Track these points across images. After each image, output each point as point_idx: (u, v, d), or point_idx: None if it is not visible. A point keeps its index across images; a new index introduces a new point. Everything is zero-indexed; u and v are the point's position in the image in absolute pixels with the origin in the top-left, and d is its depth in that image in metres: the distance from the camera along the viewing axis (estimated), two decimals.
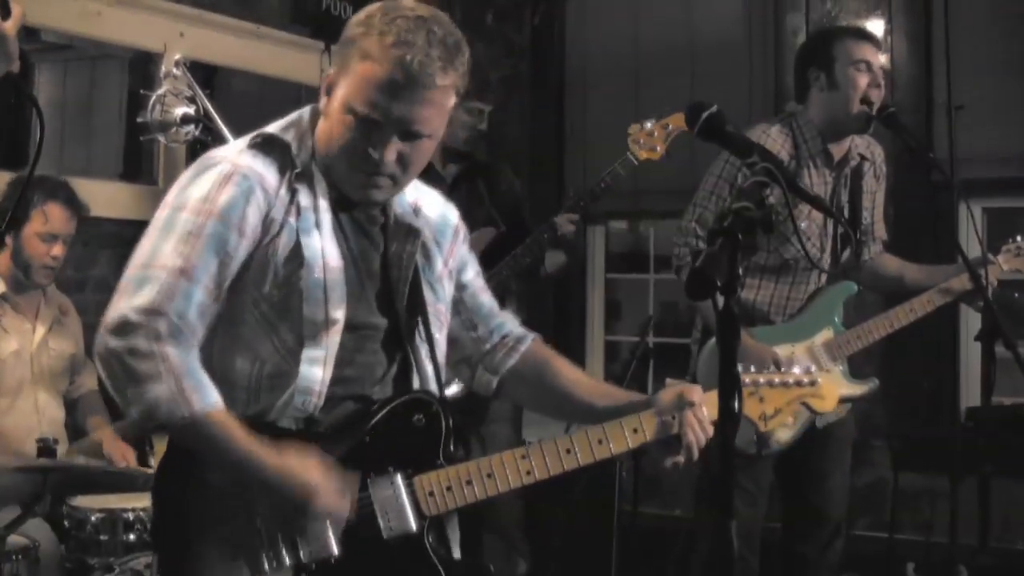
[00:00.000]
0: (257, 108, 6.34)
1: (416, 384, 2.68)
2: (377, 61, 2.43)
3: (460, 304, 2.87)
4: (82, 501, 4.00)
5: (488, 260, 4.74)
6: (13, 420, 4.54)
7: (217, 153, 2.60)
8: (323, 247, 2.53)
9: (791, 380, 2.94)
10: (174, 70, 4.06)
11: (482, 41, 7.47)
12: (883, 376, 4.50)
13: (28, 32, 4.89)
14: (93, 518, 3.93)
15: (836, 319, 4.40)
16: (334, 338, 2.53)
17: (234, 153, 2.57)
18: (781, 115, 4.53)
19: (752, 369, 2.92)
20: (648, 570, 5.73)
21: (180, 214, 2.47)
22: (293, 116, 2.66)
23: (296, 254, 2.50)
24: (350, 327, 2.55)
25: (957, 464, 4.68)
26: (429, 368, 2.70)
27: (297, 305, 2.49)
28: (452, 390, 3.00)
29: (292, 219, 2.52)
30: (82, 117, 6.93)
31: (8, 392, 4.55)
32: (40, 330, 4.68)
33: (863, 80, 4.25)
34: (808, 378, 2.95)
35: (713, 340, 4.21)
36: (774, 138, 4.30)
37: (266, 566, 2.45)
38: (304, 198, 2.54)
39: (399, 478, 2.57)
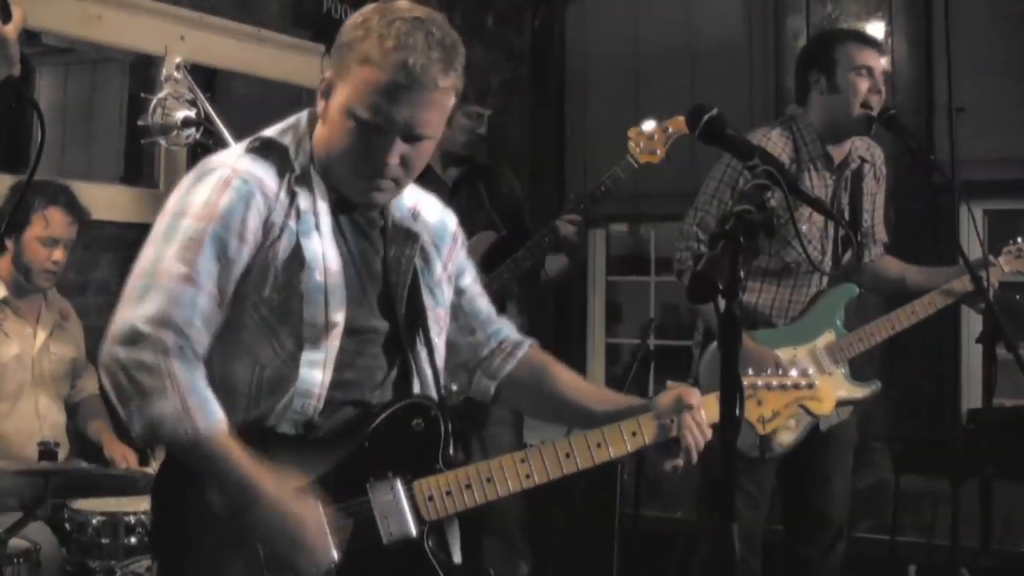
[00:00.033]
0: (258, 111, 6.33)
1: (416, 389, 2.67)
2: (378, 65, 2.42)
3: (458, 309, 2.87)
4: (83, 504, 4.00)
5: (489, 263, 4.74)
6: (14, 424, 4.54)
7: (216, 158, 2.59)
8: (323, 250, 2.53)
9: (789, 383, 2.94)
10: (175, 73, 4.07)
11: (482, 44, 7.47)
12: (884, 378, 4.51)
13: (29, 35, 4.90)
14: (94, 521, 3.93)
15: (838, 322, 4.40)
16: (334, 342, 2.52)
17: (233, 158, 2.56)
18: (781, 118, 4.53)
19: (750, 372, 2.92)
20: (649, 572, 5.73)
21: (181, 220, 2.46)
22: (291, 120, 2.66)
23: (296, 257, 2.50)
24: (350, 330, 2.55)
25: (958, 466, 4.68)
26: (428, 372, 2.70)
27: (297, 308, 2.49)
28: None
29: (292, 222, 2.52)
30: (83, 120, 6.93)
31: (9, 396, 4.55)
32: (41, 334, 4.68)
33: (864, 85, 4.26)
34: (806, 380, 2.95)
35: (715, 343, 4.21)
36: (775, 141, 4.30)
37: (266, 572, 2.44)
38: (303, 201, 2.54)
39: (398, 483, 2.57)
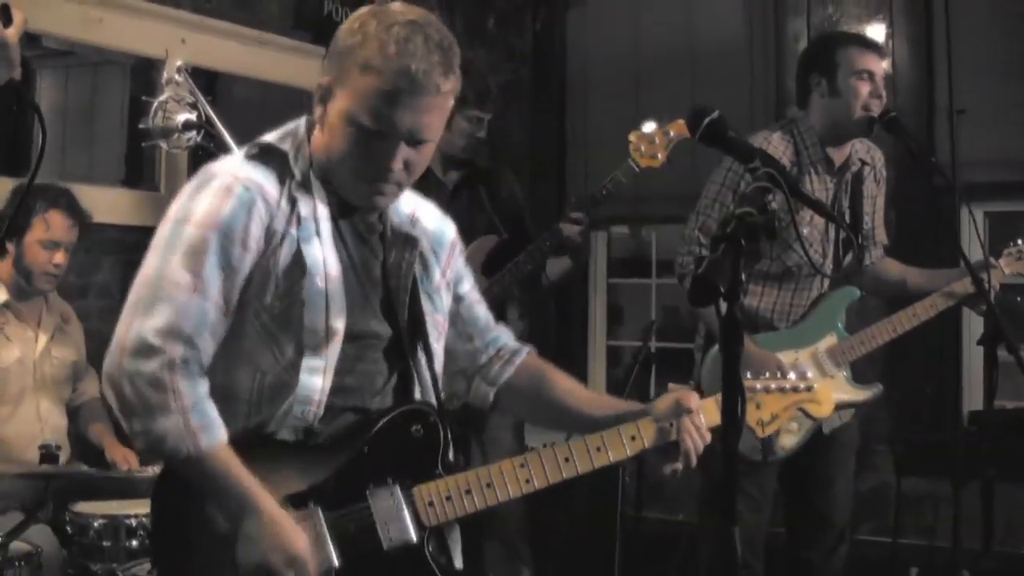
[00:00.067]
0: (259, 114, 6.34)
1: (416, 394, 2.67)
2: (379, 72, 2.41)
3: (456, 316, 2.87)
4: (85, 507, 4.00)
5: (490, 267, 4.74)
6: (16, 428, 4.53)
7: (217, 166, 2.58)
8: (324, 256, 2.53)
9: (788, 386, 2.94)
10: (176, 76, 4.06)
11: (483, 46, 7.48)
12: (886, 381, 4.51)
13: (30, 38, 4.90)
14: (96, 524, 3.93)
15: (839, 324, 4.40)
16: (334, 348, 2.52)
17: (234, 165, 2.56)
18: (782, 121, 4.53)
19: (748, 376, 2.92)
20: (651, 575, 5.73)
21: (184, 229, 2.46)
22: (289, 126, 2.65)
23: (297, 264, 2.49)
24: (350, 336, 2.55)
25: (960, 468, 4.68)
26: (428, 378, 2.70)
27: (298, 315, 2.49)
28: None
29: (293, 229, 2.51)
30: (84, 123, 6.93)
31: (10, 400, 4.55)
32: (42, 338, 4.68)
33: (865, 89, 4.26)
34: (804, 383, 2.95)
35: (717, 346, 4.21)
36: (775, 144, 4.30)
37: None
38: (304, 207, 2.54)
39: (398, 489, 2.57)
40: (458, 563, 2.72)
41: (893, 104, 4.70)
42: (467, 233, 4.63)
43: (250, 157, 2.57)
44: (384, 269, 2.65)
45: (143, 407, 2.35)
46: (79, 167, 6.66)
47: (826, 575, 4.51)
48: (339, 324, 2.52)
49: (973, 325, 5.82)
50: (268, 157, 2.57)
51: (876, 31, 6.30)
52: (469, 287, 2.91)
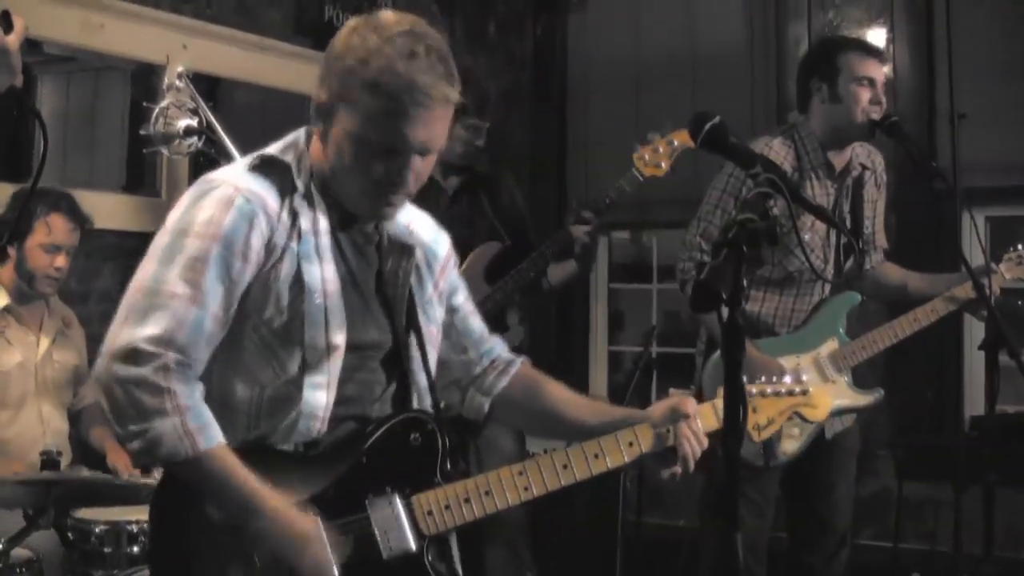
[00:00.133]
0: (260, 120, 6.35)
1: (414, 402, 2.67)
2: (389, 90, 2.40)
3: (451, 328, 2.85)
4: (86, 513, 3.99)
5: (493, 274, 4.74)
6: (17, 432, 4.53)
7: (217, 175, 2.56)
8: (323, 272, 2.52)
9: (783, 390, 2.94)
10: (177, 82, 4.07)
11: (484, 52, 7.48)
12: (887, 385, 4.50)
13: (31, 44, 4.90)
14: (97, 530, 3.92)
15: (840, 329, 4.40)
16: (336, 362, 2.51)
17: (235, 175, 2.53)
18: (783, 126, 4.54)
19: (744, 380, 2.92)
20: None
21: (184, 239, 2.43)
22: (289, 138, 2.64)
23: (297, 281, 2.48)
24: (350, 348, 2.53)
25: (961, 473, 4.67)
26: (424, 387, 2.69)
27: (298, 331, 2.48)
28: None
29: (293, 244, 2.50)
30: (85, 129, 6.93)
31: (12, 404, 4.55)
32: (44, 342, 4.68)
33: (865, 95, 4.26)
34: (800, 387, 2.95)
35: (718, 352, 4.20)
36: (776, 150, 4.31)
37: None
38: (305, 221, 2.52)
39: (397, 498, 2.56)
40: (458, 572, 2.71)
41: (894, 108, 4.71)
42: (468, 239, 4.66)
43: (252, 168, 2.55)
44: (381, 278, 2.64)
45: (137, 411, 2.32)
46: (80, 173, 6.67)
47: None
48: (339, 339, 2.51)
49: (974, 330, 5.83)
50: (270, 169, 2.55)
51: (877, 36, 6.31)
52: (463, 298, 2.90)
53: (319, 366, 2.50)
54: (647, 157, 4.62)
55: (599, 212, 4.73)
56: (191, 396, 2.36)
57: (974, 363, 5.98)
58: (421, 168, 2.51)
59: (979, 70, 6.15)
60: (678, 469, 2.76)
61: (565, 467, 2.69)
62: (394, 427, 2.59)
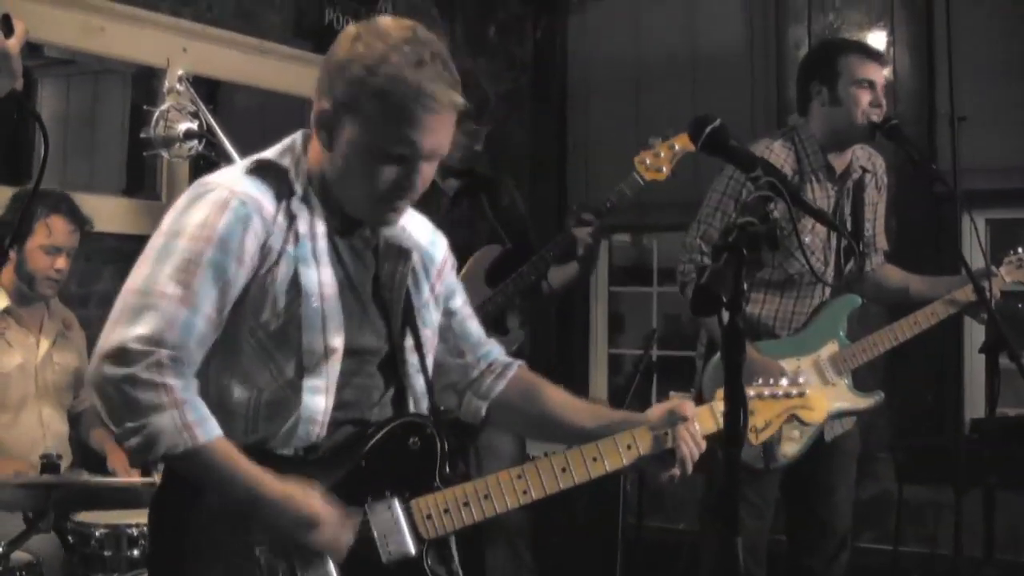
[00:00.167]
0: (260, 123, 6.36)
1: (411, 406, 2.67)
2: (400, 100, 2.41)
3: (448, 331, 2.85)
4: (86, 516, 3.99)
5: (493, 277, 4.73)
6: (17, 434, 4.54)
7: (213, 178, 2.55)
8: (320, 276, 2.51)
9: (780, 392, 2.94)
10: (177, 85, 4.07)
11: (484, 55, 7.49)
12: (887, 388, 4.50)
13: (31, 48, 4.90)
14: (97, 533, 3.92)
15: (840, 332, 4.39)
16: (334, 366, 2.51)
17: (230, 179, 2.53)
18: (783, 129, 4.53)
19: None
20: None
21: (177, 241, 2.42)
22: (287, 141, 2.63)
23: (295, 284, 2.48)
24: (348, 352, 2.53)
25: (961, 476, 4.66)
26: (421, 390, 2.69)
27: (295, 334, 2.47)
28: None
29: (290, 247, 2.49)
30: (85, 132, 6.95)
31: (12, 406, 4.55)
32: (44, 344, 4.69)
33: (865, 98, 4.26)
34: (796, 389, 2.95)
35: (718, 355, 4.20)
36: (777, 153, 4.31)
37: None
38: (302, 224, 2.52)
39: (396, 502, 2.56)
40: (458, 574, 2.71)
41: (894, 111, 4.71)
42: (469, 241, 4.66)
43: (248, 172, 2.55)
44: (378, 282, 2.64)
45: (131, 408, 2.31)
46: (80, 176, 6.68)
47: None
48: (337, 342, 2.51)
49: (974, 332, 5.83)
50: (267, 172, 2.54)
51: (877, 38, 6.31)
52: (461, 302, 2.90)
53: (317, 370, 2.49)
54: (648, 161, 4.63)
55: (600, 216, 4.74)
56: (187, 390, 2.35)
57: (974, 366, 5.98)
58: (427, 173, 2.52)
59: (979, 73, 6.15)
60: (677, 471, 2.75)
61: (564, 470, 2.69)
62: (393, 431, 2.59)
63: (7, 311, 4.59)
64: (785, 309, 4.41)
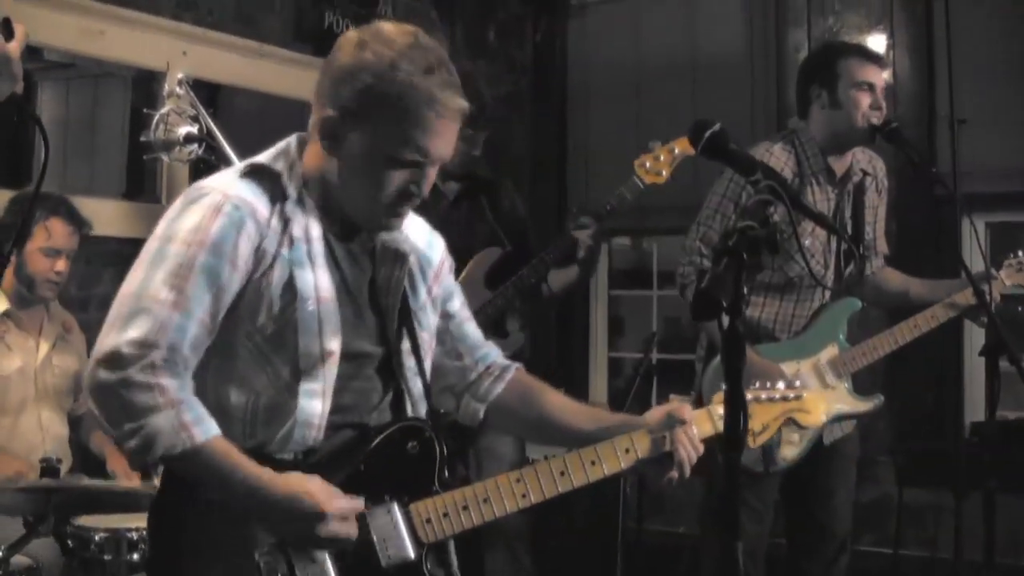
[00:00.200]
0: (260, 126, 6.35)
1: (409, 410, 2.67)
2: (410, 105, 2.43)
3: (446, 334, 2.86)
4: (86, 520, 3.99)
5: (493, 279, 4.74)
6: (17, 438, 4.53)
7: (206, 183, 2.55)
8: (316, 279, 2.51)
9: (777, 395, 2.95)
10: (177, 89, 4.07)
11: (484, 58, 7.49)
12: (887, 392, 4.50)
13: (31, 51, 4.91)
14: (97, 537, 3.91)
15: (841, 335, 4.39)
16: (331, 369, 2.51)
17: (224, 183, 2.53)
18: (783, 132, 4.53)
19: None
20: None
21: (171, 246, 2.43)
22: (281, 145, 2.64)
23: (290, 287, 2.48)
24: (345, 356, 2.53)
25: (962, 480, 4.67)
26: (419, 394, 2.69)
27: (292, 338, 2.48)
28: None
29: (285, 251, 2.50)
30: (85, 135, 6.95)
31: (12, 410, 4.55)
32: (44, 347, 4.68)
33: (865, 101, 4.26)
34: (793, 393, 2.95)
35: (718, 358, 4.20)
36: (777, 156, 4.31)
37: None
38: (296, 228, 2.52)
39: (395, 506, 2.56)
40: None
41: (894, 114, 4.71)
42: (468, 244, 4.66)
43: (242, 176, 2.55)
44: (374, 285, 2.64)
45: (128, 411, 2.31)
46: (80, 179, 6.68)
47: None
48: (334, 345, 2.51)
49: (974, 335, 5.82)
50: (260, 177, 2.55)
51: (877, 41, 6.31)
52: (459, 304, 2.90)
53: (314, 373, 2.50)
54: (648, 165, 4.63)
55: (600, 219, 4.74)
56: (182, 390, 2.36)
57: (974, 369, 5.97)
58: (431, 178, 2.54)
59: (979, 76, 6.14)
60: (675, 474, 2.76)
61: (562, 474, 2.70)
62: (392, 435, 2.59)
63: (7, 314, 4.59)
64: (785, 312, 4.40)
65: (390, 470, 2.57)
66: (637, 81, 7.26)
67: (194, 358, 2.42)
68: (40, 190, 3.58)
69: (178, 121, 3.91)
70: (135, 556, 3.91)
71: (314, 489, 2.41)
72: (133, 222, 5.60)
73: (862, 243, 4.51)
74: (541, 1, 7.61)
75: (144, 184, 5.95)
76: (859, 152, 4.46)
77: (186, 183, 5.49)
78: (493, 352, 2.96)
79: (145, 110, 4.04)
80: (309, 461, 2.52)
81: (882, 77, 4.36)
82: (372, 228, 2.60)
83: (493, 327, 4.61)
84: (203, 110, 3.99)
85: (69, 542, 3.96)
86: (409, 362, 2.68)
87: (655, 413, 2.79)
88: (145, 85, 5.93)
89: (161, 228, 2.50)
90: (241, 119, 6.28)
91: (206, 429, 2.35)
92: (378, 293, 2.64)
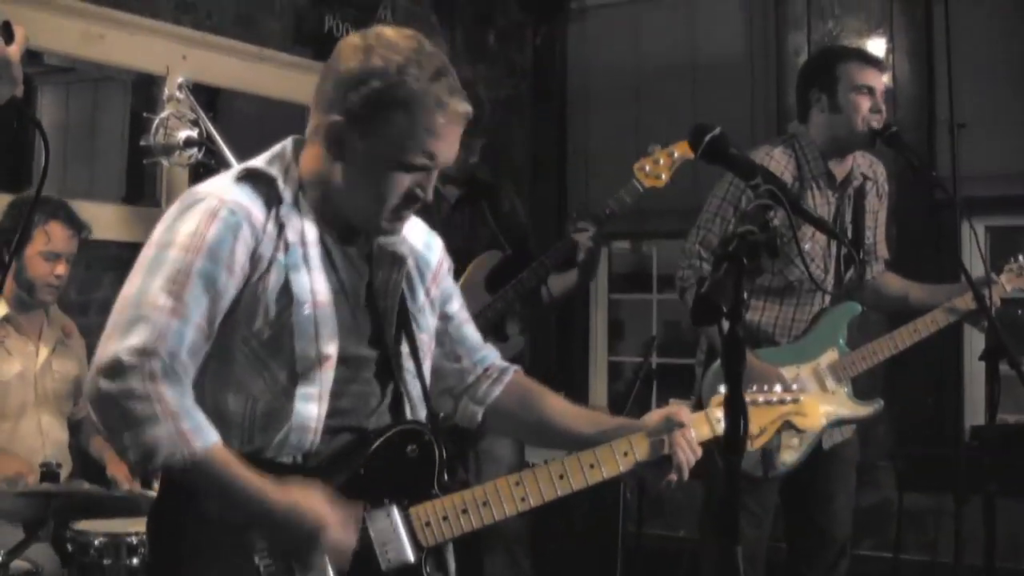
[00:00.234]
0: (259, 130, 6.35)
1: (407, 414, 2.66)
2: (422, 110, 2.44)
3: (445, 336, 2.86)
4: (86, 525, 3.98)
5: (493, 283, 4.74)
6: (17, 442, 4.52)
7: (202, 188, 2.55)
8: (312, 283, 2.51)
9: (774, 399, 2.95)
10: (177, 93, 4.07)
11: (484, 62, 7.49)
12: (887, 396, 4.49)
13: (31, 55, 4.91)
14: (96, 542, 3.91)
15: (840, 340, 4.39)
16: (327, 373, 2.51)
17: (220, 188, 2.53)
18: (784, 136, 4.53)
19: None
20: None
21: (168, 252, 2.43)
22: (276, 149, 2.63)
23: (286, 292, 2.48)
24: (343, 360, 2.53)
25: (962, 484, 4.66)
26: (418, 397, 2.69)
27: (288, 342, 2.47)
28: None
29: (281, 255, 2.49)
30: (85, 139, 6.95)
31: (11, 415, 4.54)
32: (43, 351, 4.68)
33: (865, 104, 4.26)
34: (790, 396, 2.95)
35: (718, 362, 4.20)
36: (777, 159, 4.31)
37: None
38: (292, 232, 2.52)
39: (395, 510, 2.56)
40: None
41: (893, 118, 4.71)
42: (469, 248, 4.66)
43: (237, 180, 2.55)
44: (371, 289, 2.63)
45: (128, 421, 2.31)
46: (80, 183, 6.68)
47: None
48: (331, 349, 2.51)
49: (974, 339, 5.82)
50: (255, 181, 2.54)
51: (876, 45, 6.31)
52: (458, 306, 2.90)
53: (310, 377, 2.49)
54: (648, 168, 4.63)
55: (599, 222, 4.74)
56: (181, 399, 2.35)
57: (974, 373, 5.97)
58: (434, 182, 2.55)
59: (979, 80, 6.14)
60: (674, 477, 2.76)
61: (561, 477, 2.70)
62: (391, 438, 2.59)
63: (6, 319, 4.59)
64: (785, 316, 4.40)
65: (389, 473, 2.57)
66: (637, 85, 7.26)
67: (193, 364, 2.42)
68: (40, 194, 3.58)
69: (178, 125, 3.91)
70: (135, 561, 3.90)
71: (314, 498, 2.42)
72: (133, 226, 5.60)
73: (862, 247, 4.51)
74: (541, 5, 7.61)
75: (144, 188, 5.95)
76: (860, 157, 4.46)
77: (186, 187, 5.47)
78: (492, 354, 2.95)
79: (145, 114, 4.04)
80: (308, 465, 2.51)
81: (882, 81, 4.36)
82: (374, 232, 2.60)
83: (493, 331, 4.61)
84: (203, 114, 3.99)
85: (69, 547, 3.96)
86: (408, 365, 2.67)
87: (653, 416, 2.79)
88: (145, 89, 5.93)
89: (158, 233, 2.50)
90: (241, 123, 6.28)
91: (206, 439, 2.35)
92: (375, 296, 2.63)
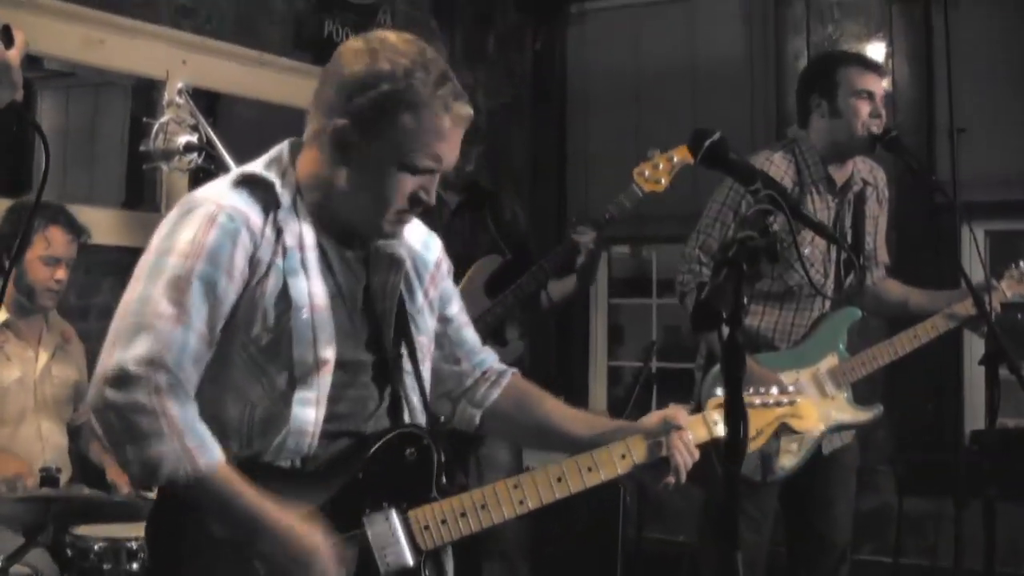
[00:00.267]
0: (259, 135, 6.35)
1: (406, 417, 2.66)
2: (430, 114, 2.45)
3: (444, 338, 2.86)
4: (85, 530, 3.98)
5: (493, 287, 4.73)
6: (17, 448, 4.52)
7: (200, 194, 2.55)
8: (310, 287, 2.51)
9: (771, 401, 2.95)
10: (177, 98, 4.08)
11: (484, 66, 7.49)
12: (887, 401, 4.49)
13: (31, 60, 4.90)
14: (96, 547, 3.90)
15: (840, 345, 4.39)
16: (325, 378, 2.51)
17: (217, 193, 2.53)
18: (784, 141, 4.53)
19: None
20: None
21: (167, 259, 2.43)
22: (273, 153, 2.64)
23: (284, 297, 2.48)
24: (340, 364, 2.53)
25: (962, 488, 4.66)
26: (417, 400, 2.69)
27: (286, 347, 2.47)
28: None
29: (279, 260, 2.49)
30: (85, 144, 6.95)
31: (11, 420, 4.54)
32: (43, 357, 4.68)
33: (865, 109, 4.26)
34: (787, 398, 2.96)
35: (717, 367, 4.20)
36: (777, 164, 4.31)
37: None
38: (289, 236, 2.52)
39: (394, 513, 2.56)
40: None
41: (893, 123, 4.71)
42: (469, 253, 4.66)
43: (235, 185, 2.55)
44: (368, 293, 2.63)
45: (132, 435, 2.31)
46: (80, 188, 6.68)
47: None
48: (328, 354, 2.50)
49: (974, 344, 5.82)
50: (253, 186, 2.54)
51: (876, 50, 6.31)
52: (458, 309, 2.90)
53: (308, 381, 2.49)
54: (647, 173, 4.63)
55: (599, 227, 4.74)
56: (185, 416, 2.35)
57: (974, 378, 5.97)
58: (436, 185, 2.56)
59: (978, 84, 6.15)
60: (672, 479, 2.77)
61: (559, 480, 2.70)
62: (390, 442, 2.59)
63: (6, 324, 4.59)
64: (785, 321, 4.40)
65: (388, 477, 2.57)
66: (637, 89, 7.26)
67: (196, 373, 2.42)
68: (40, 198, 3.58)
69: (177, 130, 3.91)
70: (134, 565, 3.90)
71: (311, 525, 2.41)
72: (132, 231, 5.59)
73: (862, 253, 4.50)
74: (540, 9, 7.61)
75: (144, 193, 5.94)
76: (860, 162, 4.46)
77: (185, 192, 5.49)
78: (490, 357, 2.96)
79: (145, 119, 4.05)
80: (307, 469, 2.52)
81: (881, 85, 4.37)
82: (375, 235, 2.60)
83: (493, 335, 4.61)
84: (202, 119, 3.99)
85: (68, 552, 3.95)
86: (407, 368, 2.67)
87: (651, 419, 2.80)
88: (145, 94, 5.93)
89: (157, 240, 2.50)
90: (241, 128, 6.27)
91: (210, 456, 2.35)
92: (373, 299, 2.63)
